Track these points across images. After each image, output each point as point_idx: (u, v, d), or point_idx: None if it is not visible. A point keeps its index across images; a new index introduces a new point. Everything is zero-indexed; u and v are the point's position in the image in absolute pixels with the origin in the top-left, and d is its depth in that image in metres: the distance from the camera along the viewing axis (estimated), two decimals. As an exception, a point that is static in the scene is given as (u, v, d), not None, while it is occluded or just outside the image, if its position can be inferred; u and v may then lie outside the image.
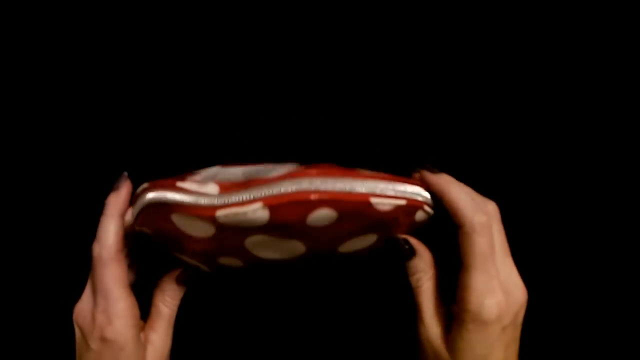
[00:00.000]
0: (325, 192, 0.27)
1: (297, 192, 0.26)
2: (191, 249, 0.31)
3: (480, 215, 0.30)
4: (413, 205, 0.30)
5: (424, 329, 0.33)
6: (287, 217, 0.27)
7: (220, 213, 0.26)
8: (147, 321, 0.35)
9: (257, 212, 0.26)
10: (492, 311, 0.30)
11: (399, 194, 0.30)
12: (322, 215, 0.27)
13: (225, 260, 0.33)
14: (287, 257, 0.32)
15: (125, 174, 0.34)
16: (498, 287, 0.30)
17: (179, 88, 0.43)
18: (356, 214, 0.28)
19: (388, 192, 0.29)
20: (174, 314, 0.35)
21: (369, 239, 0.32)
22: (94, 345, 0.32)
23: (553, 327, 0.45)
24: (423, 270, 0.33)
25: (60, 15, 0.43)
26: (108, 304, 0.31)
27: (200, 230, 0.28)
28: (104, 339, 0.31)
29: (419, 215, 0.31)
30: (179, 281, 0.35)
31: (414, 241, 0.33)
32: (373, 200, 0.28)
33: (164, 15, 0.43)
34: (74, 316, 0.33)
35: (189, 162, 0.39)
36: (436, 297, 0.33)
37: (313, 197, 0.26)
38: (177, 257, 0.34)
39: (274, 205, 0.26)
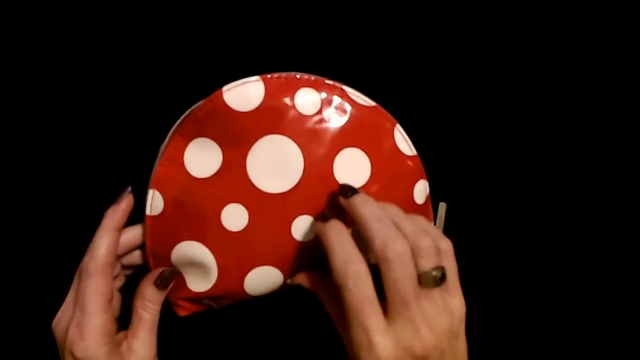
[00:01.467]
0: (307, 75, 0.34)
1: (285, 73, 0.34)
2: (198, 208, 0.34)
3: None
4: (384, 116, 0.35)
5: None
6: (278, 93, 0.33)
7: (226, 88, 0.33)
8: (128, 328, 0.34)
9: (253, 85, 0.33)
10: None
11: (369, 100, 0.35)
12: (307, 95, 0.34)
13: (228, 214, 0.34)
14: (288, 187, 0.34)
15: (129, 189, 0.34)
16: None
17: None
18: (335, 100, 0.34)
19: (360, 94, 0.35)
20: (156, 319, 0.34)
21: (361, 160, 0.35)
22: (69, 359, 0.32)
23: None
24: None
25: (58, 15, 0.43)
26: (83, 318, 0.31)
27: (209, 156, 0.34)
28: (74, 356, 0.31)
29: (399, 139, 0.35)
30: (159, 284, 0.34)
31: None
32: (346, 88, 0.35)
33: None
34: (52, 327, 0.33)
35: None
36: None
37: (297, 75, 0.34)
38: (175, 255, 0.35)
39: (267, 78, 0.34)
